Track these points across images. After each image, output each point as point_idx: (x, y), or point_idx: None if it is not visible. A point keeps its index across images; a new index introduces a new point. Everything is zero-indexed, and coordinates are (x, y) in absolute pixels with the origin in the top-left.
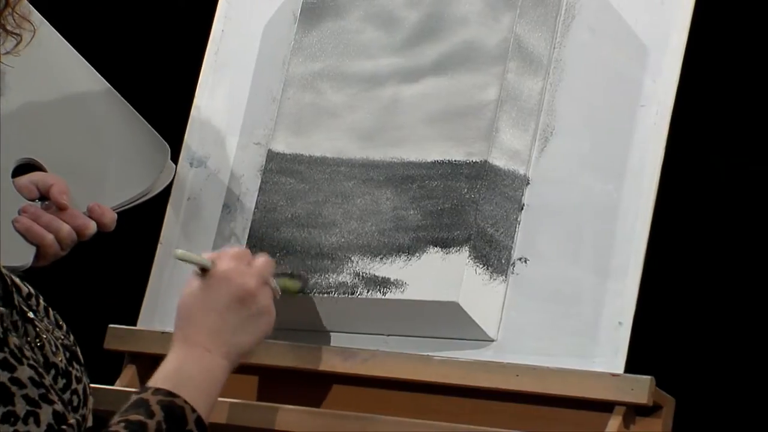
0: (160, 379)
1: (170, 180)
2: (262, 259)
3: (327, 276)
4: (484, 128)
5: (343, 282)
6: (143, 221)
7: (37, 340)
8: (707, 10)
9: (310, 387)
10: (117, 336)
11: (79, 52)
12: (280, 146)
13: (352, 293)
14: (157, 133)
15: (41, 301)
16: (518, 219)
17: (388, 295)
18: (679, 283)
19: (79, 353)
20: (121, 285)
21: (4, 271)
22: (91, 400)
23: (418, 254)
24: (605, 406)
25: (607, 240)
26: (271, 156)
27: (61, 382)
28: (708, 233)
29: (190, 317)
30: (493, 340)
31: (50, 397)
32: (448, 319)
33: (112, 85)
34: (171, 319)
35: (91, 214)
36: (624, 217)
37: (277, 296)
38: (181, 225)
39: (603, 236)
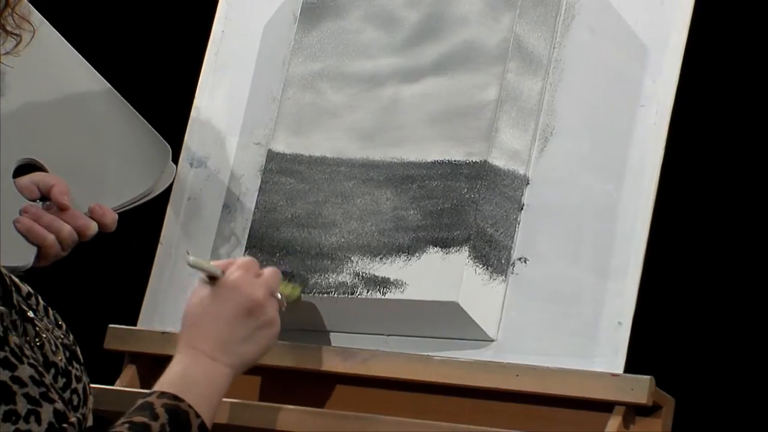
0: (165, 383)
1: (171, 181)
2: (269, 271)
3: (327, 276)
4: (484, 128)
5: (343, 282)
6: (143, 221)
7: (37, 340)
8: (707, 10)
9: (310, 387)
10: (117, 336)
11: (79, 52)
12: (280, 146)
13: (352, 293)
14: (158, 134)
15: (41, 300)
16: (518, 219)
17: (388, 295)
18: (679, 283)
19: (79, 352)
20: (121, 285)
21: (3, 270)
22: (90, 399)
23: (417, 254)
24: (605, 406)
25: (607, 240)
26: (271, 156)
27: (61, 381)
28: (708, 233)
29: (197, 324)
30: (493, 340)
31: (51, 395)
32: (448, 319)
33: (112, 85)
34: (171, 320)
35: (92, 214)
36: (624, 217)
37: (282, 308)
38: (181, 225)
39: (603, 236)
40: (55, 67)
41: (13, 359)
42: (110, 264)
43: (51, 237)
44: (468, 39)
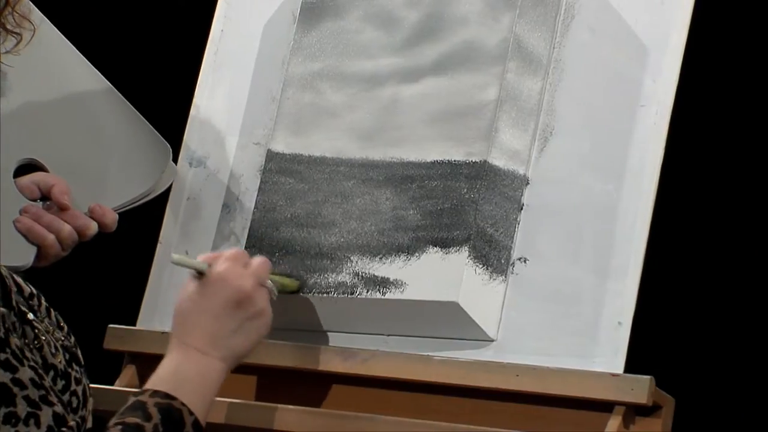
0: (157, 381)
1: (172, 181)
2: (258, 261)
3: (326, 276)
4: (483, 128)
5: (343, 282)
6: (143, 221)
7: (36, 342)
8: (707, 10)
9: (310, 387)
10: (117, 336)
11: (80, 52)
12: (280, 146)
13: (352, 293)
14: (158, 134)
15: (43, 301)
16: (518, 219)
17: (388, 295)
18: (679, 283)
19: (80, 354)
20: (121, 285)
21: (3, 271)
22: (90, 401)
23: (417, 254)
24: (605, 406)
25: (606, 240)
26: (271, 156)
27: (60, 384)
28: (708, 233)
29: (186, 320)
30: (493, 340)
31: (50, 398)
32: (448, 319)
33: (112, 84)
34: (170, 319)
35: (92, 214)
36: (624, 217)
37: (273, 297)
38: (180, 225)
39: (603, 236)
40: (55, 67)
41: (14, 361)
42: (110, 264)
43: (51, 237)
44: (468, 39)
